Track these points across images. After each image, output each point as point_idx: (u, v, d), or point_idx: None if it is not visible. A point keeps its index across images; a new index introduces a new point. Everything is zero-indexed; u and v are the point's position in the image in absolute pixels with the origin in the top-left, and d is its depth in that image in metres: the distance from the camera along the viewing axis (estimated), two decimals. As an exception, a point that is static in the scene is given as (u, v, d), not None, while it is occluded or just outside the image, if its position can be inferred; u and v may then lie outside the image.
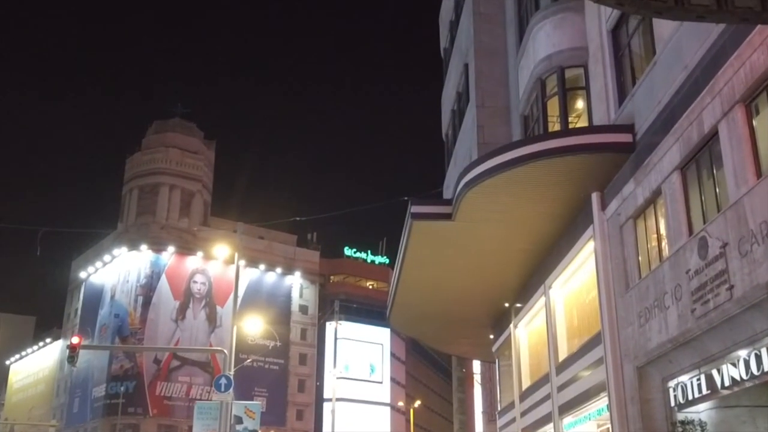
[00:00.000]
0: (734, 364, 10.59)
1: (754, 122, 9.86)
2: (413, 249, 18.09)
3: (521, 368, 21.76)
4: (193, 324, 68.52)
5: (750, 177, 9.68)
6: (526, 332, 21.73)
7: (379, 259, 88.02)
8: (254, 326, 58.64)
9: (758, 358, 9.99)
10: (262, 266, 73.96)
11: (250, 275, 71.94)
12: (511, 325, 22.24)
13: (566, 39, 16.46)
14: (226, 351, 21.21)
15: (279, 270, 75.59)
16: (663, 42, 12.48)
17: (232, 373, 21.02)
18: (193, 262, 70.22)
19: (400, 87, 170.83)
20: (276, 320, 70.63)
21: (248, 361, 37.42)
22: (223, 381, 20.74)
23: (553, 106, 17.04)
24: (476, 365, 44.20)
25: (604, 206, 14.71)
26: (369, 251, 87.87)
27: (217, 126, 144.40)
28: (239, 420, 20.85)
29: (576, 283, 17.13)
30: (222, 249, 27.73)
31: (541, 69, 16.92)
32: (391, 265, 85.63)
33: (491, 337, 25.31)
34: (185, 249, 69.55)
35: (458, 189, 15.52)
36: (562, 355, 17.65)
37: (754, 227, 9.40)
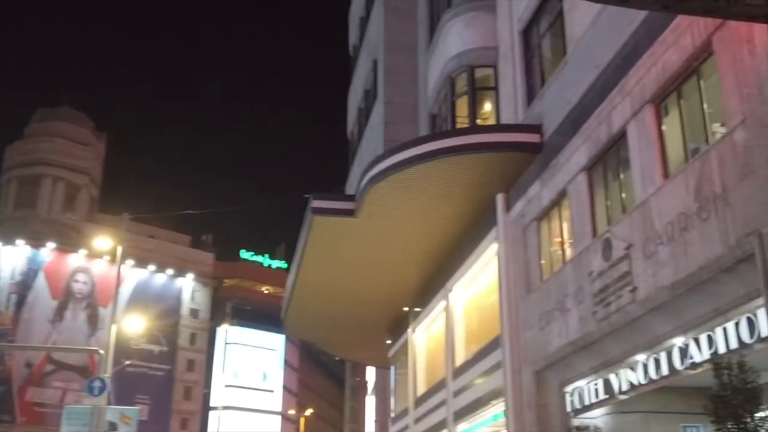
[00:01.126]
0: (632, 369, 10.47)
1: (663, 123, 9.77)
2: (312, 247, 17.40)
3: (417, 374, 21.38)
4: (72, 326, 64.78)
5: (657, 178, 9.57)
6: (424, 337, 21.39)
7: (276, 264, 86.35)
8: (139, 328, 56.20)
9: (657, 362, 9.88)
10: (151, 267, 71.01)
11: (138, 276, 68.94)
12: (410, 330, 21.85)
13: (477, 38, 16.26)
14: (102, 351, 19.47)
15: (170, 271, 72.76)
16: (575, 41, 12.36)
17: (108, 375, 19.36)
18: (76, 259, 66.44)
19: (306, 88, 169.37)
20: (164, 324, 68.01)
21: (127, 362, 35.31)
22: (96, 384, 18.81)
23: (462, 106, 16.80)
24: (370, 373, 43.80)
25: (508, 208, 14.51)
26: (267, 255, 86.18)
27: (110, 118, 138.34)
28: (113, 426, 19.18)
29: (477, 287, 16.89)
30: (104, 241, 25.71)
31: (451, 67, 16.64)
32: (289, 269, 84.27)
33: (388, 342, 24.85)
34: (67, 245, 65.71)
35: (362, 184, 14.98)
36: (460, 360, 17.36)
37: (660, 228, 9.26)
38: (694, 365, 9.04)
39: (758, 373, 7.53)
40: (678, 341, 9.44)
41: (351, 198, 15.96)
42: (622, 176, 10.83)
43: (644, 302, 9.53)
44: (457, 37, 16.61)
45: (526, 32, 15.00)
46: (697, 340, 8.95)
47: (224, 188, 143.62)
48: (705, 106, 8.87)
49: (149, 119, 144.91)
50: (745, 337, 8.03)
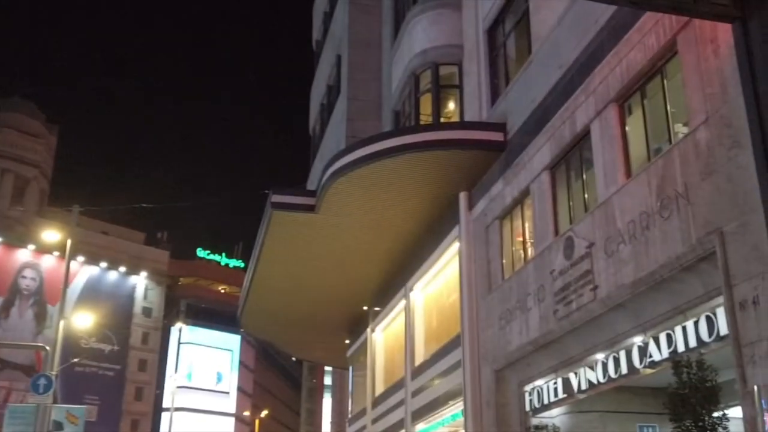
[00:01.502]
0: (592, 368, 10.49)
1: (626, 122, 9.81)
2: (271, 243, 17.15)
3: (376, 374, 21.27)
4: (18, 323, 62.94)
5: (620, 177, 9.60)
6: (383, 337, 21.28)
7: (233, 263, 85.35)
8: (88, 326, 54.87)
9: (616, 361, 9.91)
10: (103, 264, 69.49)
11: (89, 273, 67.47)
12: (368, 329, 21.73)
13: (442, 35, 16.21)
14: (48, 347, 18.77)
15: (123, 269, 71.33)
16: (540, 40, 12.38)
17: (54, 373, 18.65)
18: (24, 255, 64.66)
19: (267, 82, 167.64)
20: (115, 322, 66.70)
21: (75, 360, 34.29)
22: (42, 381, 17.70)
23: (426, 104, 16.74)
24: (327, 376, 43.48)
25: (471, 206, 14.48)
26: (224, 254, 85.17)
27: (63, 111, 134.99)
28: (59, 426, 18.48)
29: (437, 286, 16.84)
30: (52, 234, 24.81)
31: (416, 64, 16.57)
32: (246, 269, 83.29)
33: (347, 342, 24.70)
34: (15, 240, 63.88)
35: (324, 179, 14.80)
36: (420, 359, 17.29)
37: (622, 227, 9.29)
38: (654, 364, 9.08)
39: (717, 372, 7.57)
40: (637, 340, 9.48)
41: (312, 193, 15.77)
42: (585, 175, 10.85)
43: (605, 300, 9.55)
44: (422, 34, 16.55)
45: (492, 31, 15.00)
46: (656, 339, 8.99)
47: (180, 184, 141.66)
48: (668, 105, 8.90)
49: (103, 112, 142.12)
50: (704, 335, 8.07)
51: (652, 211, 8.62)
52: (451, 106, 16.95)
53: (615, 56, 9.70)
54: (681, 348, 8.45)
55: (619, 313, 9.52)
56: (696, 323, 8.23)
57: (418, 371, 17.08)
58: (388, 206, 15.55)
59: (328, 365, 30.94)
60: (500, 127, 13.47)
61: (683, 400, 7.53)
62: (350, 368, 25.43)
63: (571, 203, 11.22)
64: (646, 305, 9.02)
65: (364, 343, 22.48)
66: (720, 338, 7.79)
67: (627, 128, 9.76)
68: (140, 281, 72.43)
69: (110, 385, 66.46)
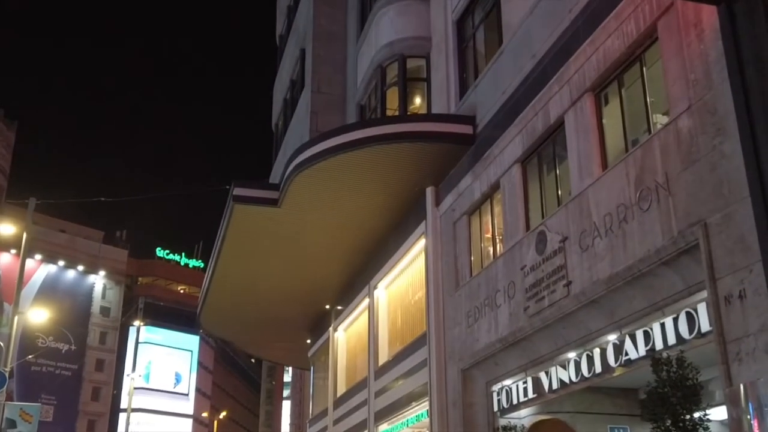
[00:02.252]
0: (564, 367, 10.15)
1: (602, 112, 9.48)
2: (232, 238, 16.56)
3: (338, 374, 20.77)
4: (-26, 322, 61.37)
5: (596, 168, 9.27)
6: (346, 336, 20.80)
7: (193, 263, 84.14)
8: (46, 325, 53.40)
9: (590, 359, 9.58)
10: (61, 262, 67.96)
11: (47, 271, 65.95)
12: (331, 328, 21.23)
13: (410, 27, 15.81)
14: (2, 344, 18.03)
15: (81, 268, 69.79)
16: (512, 30, 12.03)
17: (7, 369, 17.93)
18: (-21, 253, 62.99)
19: (228, 78, 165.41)
20: (73, 322, 65.40)
21: (30, 356, 33.19)
22: None
23: (392, 98, 16.31)
24: (287, 377, 42.86)
25: (438, 202, 14.09)
26: (183, 254, 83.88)
27: (22, 106, 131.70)
28: (12, 424, 17.80)
29: (402, 284, 16.41)
30: (7, 228, 23.67)
31: (383, 56, 16.14)
32: (206, 269, 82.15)
33: (308, 341, 24.16)
34: (-29, 238, 62.21)
35: (287, 172, 14.28)
36: (383, 358, 16.84)
37: (597, 220, 8.95)
38: (629, 362, 8.76)
39: (699, 370, 7.25)
40: (612, 338, 9.15)
41: (275, 187, 15.23)
42: (558, 168, 10.51)
43: (579, 296, 9.20)
44: (389, 26, 16.12)
45: (461, 22, 14.64)
46: (632, 337, 8.66)
47: (141, 181, 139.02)
48: (647, 94, 8.59)
49: (63, 109, 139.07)
50: (684, 332, 7.75)
51: (630, 203, 8.29)
52: (418, 101, 16.54)
53: (591, 44, 9.37)
54: (659, 345, 8.13)
55: (593, 309, 9.17)
56: (675, 320, 7.91)
57: (381, 371, 16.63)
58: (353, 201, 15.09)
59: (289, 365, 30.36)
60: (469, 120, 13.10)
61: (663, 399, 7.19)
62: (311, 368, 24.89)
63: (543, 197, 10.87)
64: (622, 302, 8.69)
65: (326, 343, 21.98)
66: (701, 335, 7.47)
67: (603, 119, 9.43)
68: (99, 280, 71.09)
69: (67, 384, 65.07)
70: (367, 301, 18.10)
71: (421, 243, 14.68)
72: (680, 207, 7.46)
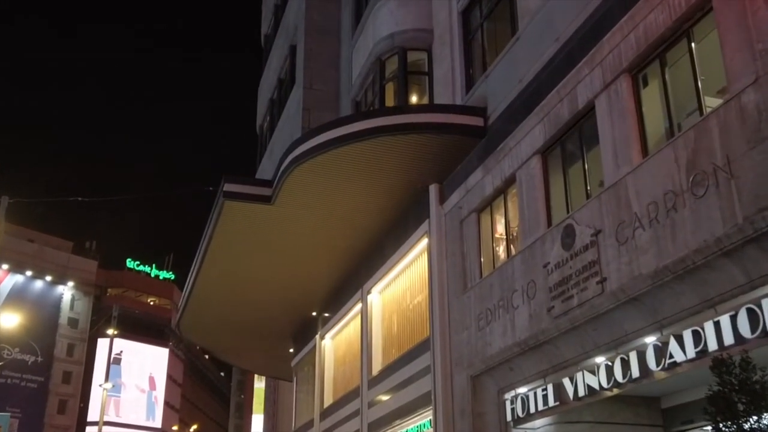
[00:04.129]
0: (593, 372, 9.34)
1: (641, 95, 8.76)
2: (220, 238, 15.58)
3: (325, 383, 19.78)
4: (-62, 333, 59.18)
5: (635, 155, 8.53)
6: (334, 344, 19.84)
7: (163, 275, 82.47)
8: (12, 335, 51.56)
9: (624, 363, 8.78)
10: (29, 272, 66.03)
11: (14, 281, 64.07)
12: (317, 336, 20.26)
13: (411, 18, 15.05)
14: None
15: (49, 278, 67.86)
16: (529, 15, 11.31)
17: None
18: (-56, 259, 60.92)
19: (208, 86, 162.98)
20: (40, 333, 63.55)
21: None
22: None
23: (391, 93, 15.51)
24: (258, 391, 41.68)
25: (443, 199, 13.29)
26: (154, 265, 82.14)
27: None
28: (-21, 435, 16.68)
29: (399, 287, 15.54)
30: None
31: (382, 48, 15.34)
32: (177, 281, 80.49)
33: (291, 350, 23.14)
34: (-65, 245, 60.11)
35: (283, 166, 13.38)
36: (377, 367, 15.92)
37: (638, 210, 8.19)
38: (674, 365, 7.97)
39: (766, 371, 6.49)
40: (651, 339, 8.37)
41: (268, 183, 14.32)
42: (586, 157, 9.76)
43: (616, 294, 8.42)
44: (389, 17, 15.35)
45: (467, 12, 13.94)
46: (679, 337, 7.89)
47: (115, 184, 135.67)
48: (697, 72, 7.87)
49: (36, 113, 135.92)
50: (745, 331, 6.99)
51: (681, 190, 7.54)
52: (418, 96, 15.76)
53: (629, 21, 8.65)
54: (712, 347, 7.36)
55: (631, 308, 8.41)
56: (734, 318, 7.15)
57: (376, 380, 15.71)
58: (350, 198, 14.24)
59: (270, 376, 29.26)
60: (480, 111, 12.34)
61: (728, 403, 6.41)
62: (294, 379, 23.85)
63: (567, 189, 10.11)
64: (667, 299, 7.93)
65: (312, 351, 21.00)
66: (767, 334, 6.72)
67: (642, 101, 8.70)
68: (67, 291, 69.25)
69: (32, 397, 63.08)
70: (359, 306, 17.19)
71: (423, 243, 13.86)
72: (746, 190, 6.72)
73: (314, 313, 20.23)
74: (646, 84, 8.76)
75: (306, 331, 21.61)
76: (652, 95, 8.66)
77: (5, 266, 62.38)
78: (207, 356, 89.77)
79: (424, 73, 14.98)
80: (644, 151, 8.49)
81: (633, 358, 8.63)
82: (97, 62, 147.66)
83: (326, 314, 19.70)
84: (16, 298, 63.29)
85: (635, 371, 8.57)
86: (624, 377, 8.74)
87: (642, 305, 8.27)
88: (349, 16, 18.00)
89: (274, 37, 23.53)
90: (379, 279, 15.99)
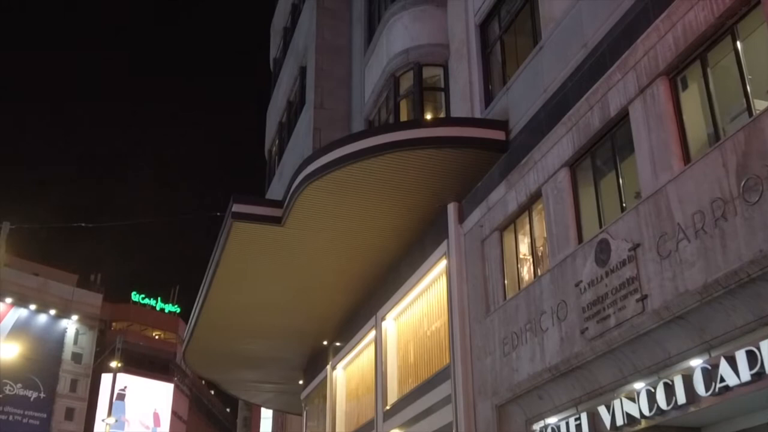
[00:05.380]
0: (632, 399, 8.63)
1: (680, 98, 8.19)
2: (228, 261, 14.96)
3: (336, 416, 19.01)
4: (-60, 366, 58.36)
5: (675, 161, 7.93)
6: (346, 374, 19.10)
7: (169, 308, 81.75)
8: (14, 371, 50.84)
9: (668, 388, 8.08)
10: (33, 306, 65.33)
11: (17, 314, 63.38)
12: (329, 366, 19.53)
13: (426, 33, 14.60)
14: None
15: (53, 312, 67.11)
16: (554, 22, 10.81)
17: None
18: (-51, 294, 60.35)
19: (211, 116, 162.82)
20: (43, 368, 62.76)
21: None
22: None
23: (405, 110, 15.00)
24: (267, 425, 40.79)
25: (461, 219, 12.69)
26: (159, 298, 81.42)
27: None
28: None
29: (416, 313, 14.87)
30: None
31: (396, 64, 14.87)
32: (182, 314, 79.72)
33: (300, 382, 22.39)
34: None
35: (294, 184, 12.82)
36: (393, 398, 15.19)
37: (682, 220, 7.57)
38: (726, 389, 7.27)
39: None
40: (698, 361, 7.69)
41: (278, 204, 13.75)
42: (620, 167, 9.17)
43: (659, 312, 7.77)
44: (403, 32, 14.90)
45: (485, 25, 13.47)
46: (731, 359, 7.20)
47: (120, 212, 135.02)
48: (744, 71, 7.30)
49: (38, 144, 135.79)
50: (811, 349, 6.33)
51: (731, 197, 6.93)
52: (432, 115, 15.25)
53: (666, 20, 8.12)
54: (772, 368, 6.68)
55: (676, 327, 7.75)
56: (797, 334, 6.50)
57: (392, 411, 14.97)
58: (364, 219, 13.64)
59: (278, 410, 28.37)
60: (501, 124, 11.79)
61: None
62: (304, 412, 23.05)
63: (599, 202, 9.51)
64: (716, 316, 7.28)
65: (323, 383, 20.25)
66: (838, 352, 6.06)
67: (681, 105, 8.13)
68: (71, 325, 68.50)
69: (34, 434, 62.08)
70: (372, 334, 16.51)
71: (441, 265, 13.24)
72: (810, 193, 6.11)
73: (325, 342, 19.55)
74: (685, 87, 8.20)
75: (316, 362, 20.89)
76: (692, 98, 8.09)
77: (9, 300, 61.76)
78: (212, 392, 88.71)
79: (440, 89, 14.49)
80: (686, 157, 7.89)
81: (678, 382, 7.92)
82: (97, 86, 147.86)
83: (338, 343, 19.01)
84: (19, 332, 62.63)
85: (681, 397, 7.85)
86: (668, 404, 8.02)
87: (688, 324, 7.61)
88: (361, 34, 17.60)
89: (283, 61, 23.18)
90: (394, 305, 15.33)
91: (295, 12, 22.40)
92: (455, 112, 13.56)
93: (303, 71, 19.51)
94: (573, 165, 9.95)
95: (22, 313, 64.75)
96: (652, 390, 8.28)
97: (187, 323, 22.55)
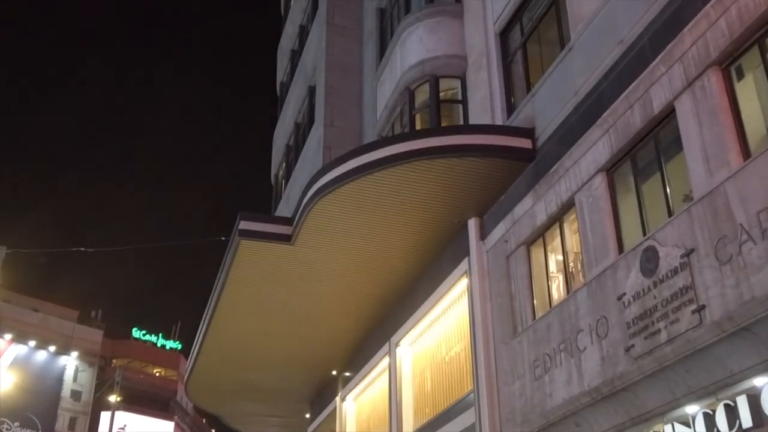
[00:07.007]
0: (687, 423, 7.76)
1: (735, 89, 7.47)
2: (234, 284, 14.16)
3: (346, 451, 18.02)
4: (-61, 405, 57.09)
5: (734, 157, 7.18)
6: (356, 406, 18.14)
7: (170, 344, 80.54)
8: (12, 410, 49.72)
9: (730, 410, 7.21)
10: (32, 342, 64.16)
11: (17, 352, 62.23)
12: (338, 398, 18.58)
13: (442, 45, 13.98)
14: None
15: (52, 348, 65.89)
16: (584, 22, 10.16)
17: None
18: (-52, 330, 59.34)
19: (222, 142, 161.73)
20: (41, 406, 61.43)
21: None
22: None
23: (420, 125, 14.30)
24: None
25: (483, 234, 11.91)
26: (161, 334, 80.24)
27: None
28: None
29: (433, 337, 14.01)
30: None
31: (411, 76, 14.21)
32: (183, 351, 78.47)
33: (307, 416, 21.39)
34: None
35: (305, 199, 12.07)
36: (409, 429, 14.26)
37: (745, 220, 6.79)
38: (802, 410, 6.43)
39: None
40: (763, 380, 6.84)
41: (287, 221, 12.99)
42: (665, 168, 8.41)
43: (721, 323, 6.94)
44: (418, 44, 14.27)
45: (505, 33, 12.84)
46: (807, 374, 6.38)
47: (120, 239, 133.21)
48: (812, 52, 6.60)
49: (39, 177, 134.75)
50: None
51: (805, 189, 6.17)
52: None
53: (718, 5, 7.43)
54: None
55: (739, 341, 6.92)
56: None
57: (407, 444, 14.04)
58: (378, 236, 12.86)
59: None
60: (527, 132, 11.07)
61: None
62: (311, 448, 22.02)
63: (642, 208, 8.73)
64: (789, 326, 6.46)
65: (332, 415, 19.28)
66: None
67: (737, 96, 7.40)
68: (71, 362, 67.26)
69: (31, 475, 60.53)
70: (386, 361, 15.62)
71: (462, 285, 12.43)
72: None
73: (334, 372, 18.62)
74: (741, 76, 7.48)
75: (324, 393, 19.94)
76: (749, 88, 7.37)
77: (8, 336, 60.75)
78: (213, 430, 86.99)
79: (457, 101, 13.82)
80: (745, 152, 7.14)
81: (742, 403, 7.06)
82: (101, 112, 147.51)
83: (347, 373, 18.09)
84: (18, 369, 61.49)
85: (746, 420, 6.99)
86: (731, 428, 7.16)
87: (754, 336, 6.78)
88: (373, 49, 17.00)
89: (290, 84, 22.62)
90: (410, 329, 14.48)
91: (303, 33, 21.90)
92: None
93: (312, 90, 18.91)
94: (610, 170, 9.20)
95: (21, 349, 63.67)
96: (711, 413, 7.41)
97: (188, 358, 21.76)
